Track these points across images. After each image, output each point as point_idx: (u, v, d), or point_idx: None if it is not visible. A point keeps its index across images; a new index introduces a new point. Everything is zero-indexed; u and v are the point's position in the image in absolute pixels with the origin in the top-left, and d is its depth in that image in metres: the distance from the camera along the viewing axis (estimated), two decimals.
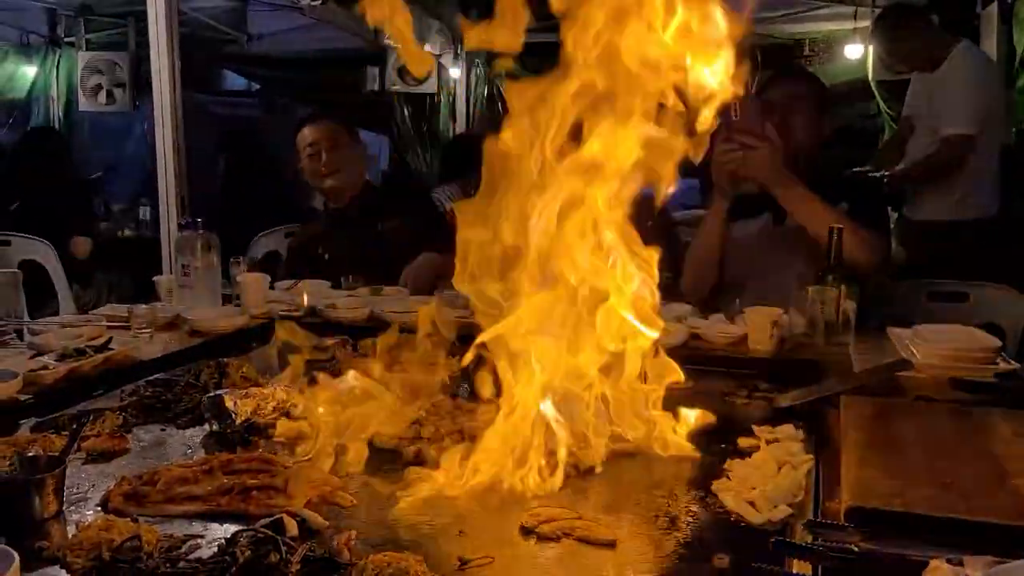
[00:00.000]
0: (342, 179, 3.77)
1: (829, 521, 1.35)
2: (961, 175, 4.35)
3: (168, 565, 1.29)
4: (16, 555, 1.17)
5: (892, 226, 4.18)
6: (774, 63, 5.67)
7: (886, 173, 4.49)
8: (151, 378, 2.27)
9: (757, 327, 2.48)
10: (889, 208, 4.36)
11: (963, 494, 1.40)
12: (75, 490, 1.61)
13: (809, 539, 1.29)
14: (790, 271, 3.01)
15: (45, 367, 2.15)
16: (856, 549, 1.23)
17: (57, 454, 1.59)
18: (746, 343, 2.52)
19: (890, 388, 2.02)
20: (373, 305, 2.94)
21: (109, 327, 2.65)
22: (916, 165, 4.44)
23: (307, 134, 3.78)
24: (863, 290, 2.82)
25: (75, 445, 1.64)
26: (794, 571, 1.24)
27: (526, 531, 1.46)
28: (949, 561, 0.96)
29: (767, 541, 1.39)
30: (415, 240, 3.49)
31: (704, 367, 2.43)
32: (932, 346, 2.24)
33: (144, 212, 5.70)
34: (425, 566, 1.28)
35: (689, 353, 2.49)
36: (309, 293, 3.12)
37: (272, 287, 3.20)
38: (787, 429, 1.89)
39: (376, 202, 3.79)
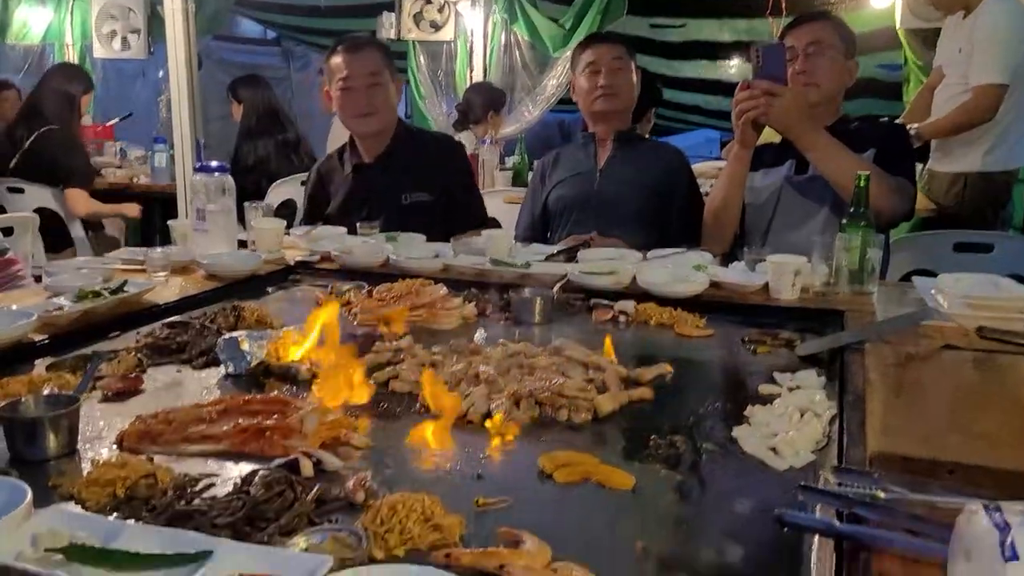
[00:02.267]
0: (381, 122, 3.43)
1: (854, 467, 1.32)
2: (990, 126, 4.25)
3: (183, 503, 1.28)
4: (29, 490, 1.16)
5: (918, 177, 4.09)
6: (798, 9, 5.54)
7: (915, 125, 4.38)
8: (166, 320, 2.25)
9: (779, 276, 2.44)
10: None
11: (992, 442, 1.37)
12: (90, 429, 1.60)
13: (834, 484, 1.25)
14: (812, 222, 2.96)
15: (60, 308, 2.14)
16: (883, 495, 1.20)
17: (71, 392, 1.58)
18: (768, 292, 2.48)
19: (916, 337, 1.98)
20: (389, 251, 2.91)
21: (124, 270, 2.64)
22: (947, 116, 4.33)
23: (342, 64, 3.32)
24: (887, 239, 2.77)
25: (89, 383, 1.63)
26: (819, 516, 1.21)
27: (544, 475, 1.44)
28: (986, 507, 0.92)
29: (790, 487, 1.37)
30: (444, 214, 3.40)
31: (725, 316, 2.40)
32: (959, 295, 2.19)
33: (159, 159, 5.66)
34: (441, 507, 1.26)
35: (709, 302, 2.46)
36: (325, 239, 3.10)
37: (287, 233, 3.17)
38: (809, 377, 1.86)
39: (404, 161, 3.49)
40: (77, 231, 5.22)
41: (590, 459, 1.48)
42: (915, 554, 1.10)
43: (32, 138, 5.14)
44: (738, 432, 1.59)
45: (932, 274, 2.55)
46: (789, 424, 1.59)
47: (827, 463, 1.45)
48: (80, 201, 5.15)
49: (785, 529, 1.18)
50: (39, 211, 4.73)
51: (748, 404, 1.72)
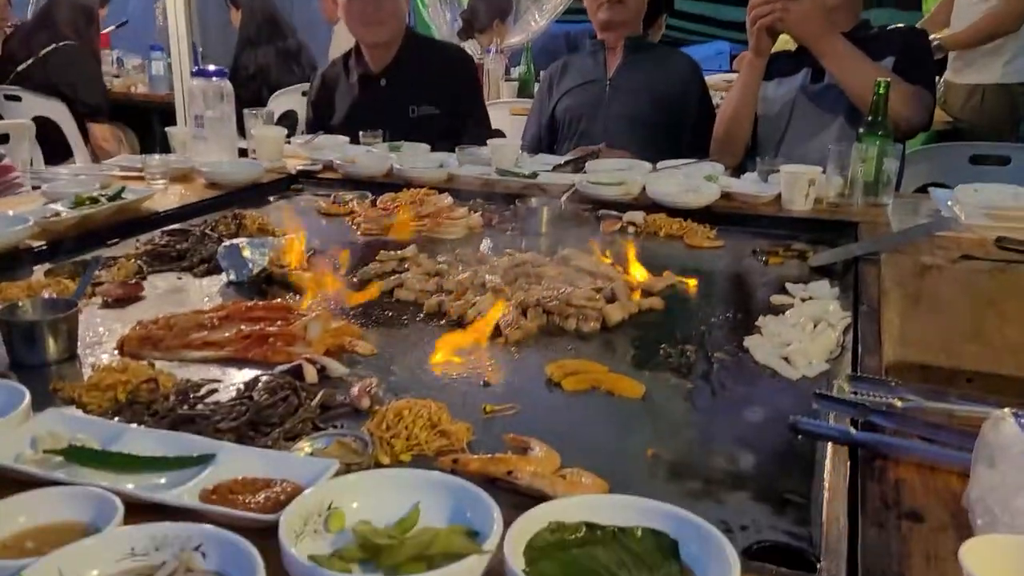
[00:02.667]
0: (390, 31, 3.31)
1: (870, 376, 1.29)
2: (1012, 38, 4.11)
3: (185, 408, 1.26)
4: (27, 392, 1.14)
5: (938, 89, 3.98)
6: None
7: (937, 36, 4.24)
8: (167, 228, 2.21)
9: (792, 186, 2.37)
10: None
11: (1012, 350, 1.34)
12: (90, 334, 1.57)
13: (849, 393, 1.23)
14: (827, 132, 2.88)
15: (57, 215, 2.09)
16: (899, 403, 1.17)
17: (70, 297, 1.55)
18: (780, 203, 2.42)
19: (933, 248, 1.93)
20: (393, 161, 2.84)
21: (122, 178, 2.58)
22: (972, 25, 4.19)
23: None
24: (903, 151, 2.69)
25: (87, 287, 1.60)
26: (833, 424, 1.19)
27: (552, 384, 1.41)
28: (1015, 414, 0.89)
29: (803, 396, 1.35)
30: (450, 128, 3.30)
31: (736, 228, 2.35)
32: (977, 205, 2.13)
33: (157, 67, 5.53)
34: (448, 414, 1.24)
35: (720, 213, 2.41)
36: (327, 148, 3.03)
37: (288, 142, 3.10)
38: (822, 287, 1.83)
39: (412, 72, 3.38)
40: (76, 141, 5.13)
41: (599, 367, 1.46)
42: (932, 461, 1.08)
43: (51, 49, 5.01)
44: (750, 342, 1.56)
45: (947, 188, 2.49)
46: (802, 334, 1.56)
47: (841, 372, 1.42)
48: (100, 134, 5.09)
49: (799, 437, 1.16)
50: (38, 121, 4.63)
51: (760, 314, 1.69)
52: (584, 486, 1.07)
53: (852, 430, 1.13)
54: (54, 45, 5.02)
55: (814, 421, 1.16)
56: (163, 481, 1.00)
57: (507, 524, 0.85)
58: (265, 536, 0.85)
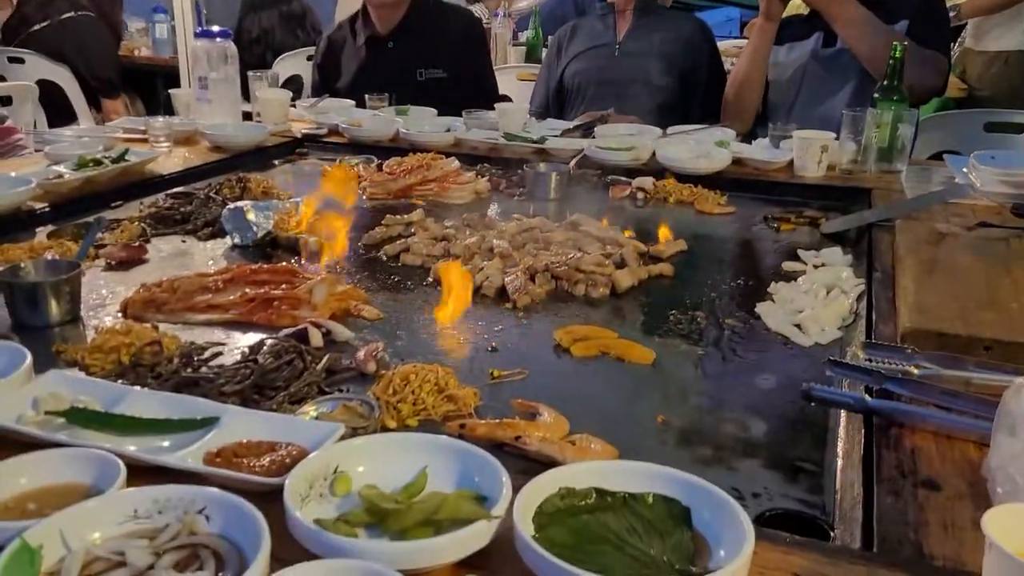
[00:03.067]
0: None
1: (886, 343, 1.26)
2: None
3: (189, 371, 1.24)
4: (28, 353, 1.12)
5: (953, 56, 3.90)
6: None
7: (955, 2, 4.15)
8: (170, 191, 2.18)
9: (805, 152, 2.34)
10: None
11: None
12: (93, 297, 1.56)
13: (863, 360, 1.20)
14: (839, 98, 2.83)
15: (60, 176, 2.07)
16: (915, 371, 1.15)
17: (72, 259, 1.53)
18: (792, 169, 2.39)
19: (948, 215, 1.90)
20: (399, 125, 2.80)
21: (126, 140, 2.55)
22: None
23: None
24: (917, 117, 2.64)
25: (89, 248, 1.58)
26: (847, 391, 1.16)
27: (560, 349, 1.39)
28: None
29: (815, 363, 1.33)
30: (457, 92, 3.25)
31: (747, 194, 2.32)
32: (992, 172, 2.09)
33: (160, 30, 5.46)
34: (455, 378, 1.22)
35: (731, 180, 2.37)
36: (332, 111, 2.99)
37: (293, 105, 3.06)
38: (835, 254, 1.80)
39: (420, 35, 3.32)
40: (81, 105, 5.09)
41: (608, 333, 1.44)
42: (949, 430, 1.06)
43: (68, 16, 4.94)
44: (761, 308, 1.53)
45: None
46: (815, 300, 1.54)
47: (854, 340, 1.40)
48: (115, 110, 5.04)
49: (812, 404, 1.14)
50: (45, 84, 4.59)
51: (771, 281, 1.66)
52: (594, 452, 1.05)
53: (867, 397, 1.11)
54: (73, 13, 4.96)
55: (828, 388, 1.14)
56: (166, 444, 0.99)
57: (515, 490, 0.84)
58: (270, 500, 0.83)
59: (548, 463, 1.04)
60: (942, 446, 1.04)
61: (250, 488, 0.88)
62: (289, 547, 0.80)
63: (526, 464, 1.05)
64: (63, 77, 4.94)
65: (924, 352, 1.20)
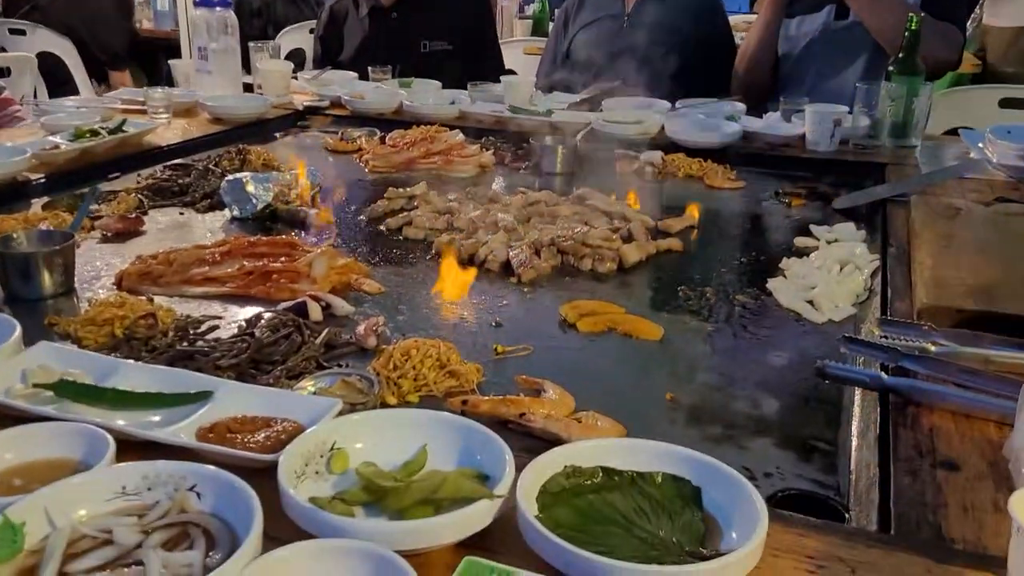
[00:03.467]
0: None
1: (902, 319, 1.22)
2: None
3: (184, 344, 1.21)
4: (17, 324, 1.09)
5: (969, 32, 3.82)
6: None
7: None
8: (169, 163, 2.14)
9: (817, 126, 2.28)
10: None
11: None
12: (88, 269, 1.52)
13: (879, 337, 1.17)
14: (851, 73, 2.77)
15: (57, 147, 2.03)
16: (934, 348, 1.11)
17: (66, 229, 1.49)
18: (803, 144, 2.33)
19: (964, 190, 1.85)
20: (403, 97, 2.75)
21: (124, 111, 2.51)
22: None
23: None
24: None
25: (84, 219, 1.54)
26: (862, 369, 1.13)
27: (566, 325, 1.35)
28: None
29: (829, 340, 1.29)
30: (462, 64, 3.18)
31: (757, 168, 2.27)
32: (1010, 146, 2.04)
33: (161, 2, 5.40)
34: (458, 354, 1.19)
35: (741, 154, 2.33)
36: (335, 83, 2.94)
37: (295, 77, 3.01)
38: (848, 229, 1.75)
39: (424, 5, 3.28)
40: (82, 77, 5.04)
41: (616, 309, 1.40)
42: (967, 409, 1.02)
43: None
44: (773, 284, 1.49)
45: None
46: (828, 276, 1.49)
47: (869, 316, 1.36)
48: (121, 82, 4.99)
49: (826, 382, 1.10)
50: (49, 57, 4.56)
51: (783, 257, 1.62)
52: (600, 430, 1.02)
53: (883, 375, 1.07)
54: None
55: (843, 365, 1.10)
56: (158, 419, 0.95)
57: (519, 469, 0.80)
58: (264, 477, 0.80)
59: (553, 441, 1.01)
60: (961, 425, 1.00)
61: (244, 465, 0.85)
62: (284, 526, 0.76)
63: (530, 442, 1.01)
64: (64, 49, 4.89)
65: (942, 329, 1.16)
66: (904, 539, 0.81)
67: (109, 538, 0.74)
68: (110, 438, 0.85)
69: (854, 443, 1.03)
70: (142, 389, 0.99)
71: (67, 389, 0.95)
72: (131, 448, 0.87)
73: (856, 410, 1.09)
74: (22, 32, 4.94)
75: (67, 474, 0.81)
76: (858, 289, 1.45)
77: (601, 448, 0.87)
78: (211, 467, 0.80)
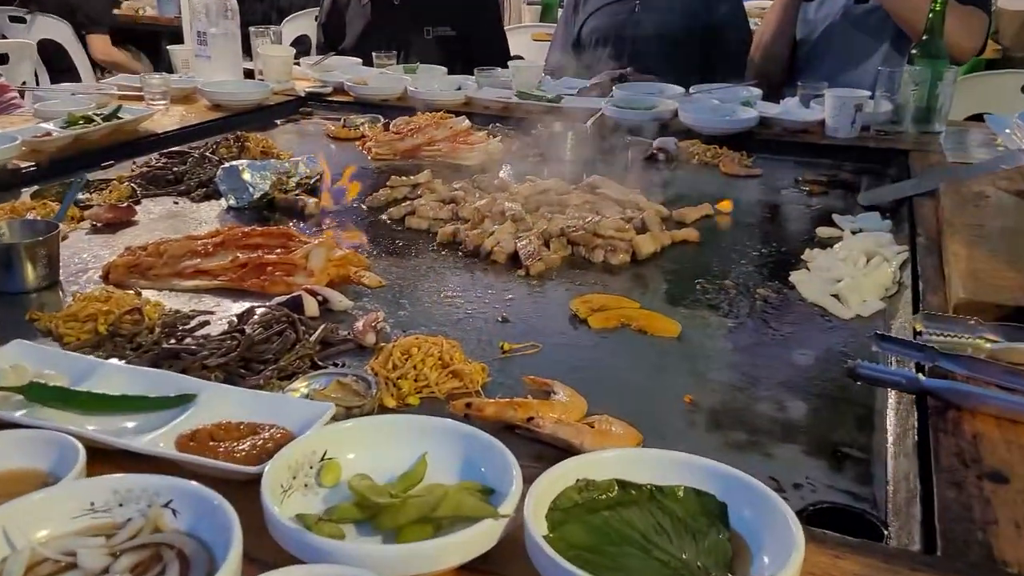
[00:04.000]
0: None
1: (939, 314, 1.14)
2: None
3: (172, 341, 1.13)
4: None
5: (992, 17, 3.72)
6: None
7: None
8: (164, 151, 2.07)
9: (838, 111, 2.20)
10: None
11: None
12: (75, 261, 1.45)
13: (917, 332, 1.09)
14: (871, 59, 2.68)
15: (48, 134, 1.96)
16: (987, 344, 1.03)
17: (51, 219, 1.42)
18: (823, 129, 2.25)
19: (994, 178, 1.76)
20: (407, 83, 2.67)
21: (120, 97, 2.44)
22: None
23: None
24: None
25: (70, 207, 1.47)
26: (898, 369, 1.05)
27: (577, 320, 1.28)
28: None
29: (857, 337, 1.21)
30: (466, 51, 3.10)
31: (774, 155, 2.19)
32: None
33: None
34: (462, 352, 1.11)
35: (758, 140, 2.24)
36: (337, 69, 2.86)
37: (297, 63, 2.94)
38: (873, 219, 1.67)
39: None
40: (83, 62, 4.97)
41: (630, 303, 1.32)
42: (1014, 413, 0.94)
43: None
44: (796, 277, 1.41)
45: None
46: (854, 269, 1.41)
47: (899, 311, 1.28)
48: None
49: (858, 383, 1.02)
50: (50, 45, 4.49)
51: (805, 248, 1.54)
52: (615, 436, 0.94)
53: (921, 376, 0.99)
54: None
55: (877, 366, 1.02)
56: (135, 424, 0.88)
57: (527, 480, 0.73)
58: (250, 491, 0.73)
59: (564, 448, 0.93)
60: (1007, 432, 0.92)
61: (227, 477, 0.78)
62: (269, 546, 0.69)
63: (539, 448, 0.94)
64: (64, 36, 4.83)
65: (988, 323, 1.08)
66: (953, 562, 0.73)
67: (73, 561, 0.67)
68: (80, 447, 0.78)
69: (890, 450, 0.95)
70: (121, 392, 0.91)
71: (37, 392, 0.88)
72: (104, 457, 0.81)
73: (890, 414, 1.01)
74: (22, 20, 4.88)
75: (33, 487, 0.74)
76: (887, 282, 1.37)
77: (616, 458, 0.79)
78: (189, 482, 0.72)
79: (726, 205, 1.78)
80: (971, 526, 0.78)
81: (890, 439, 0.97)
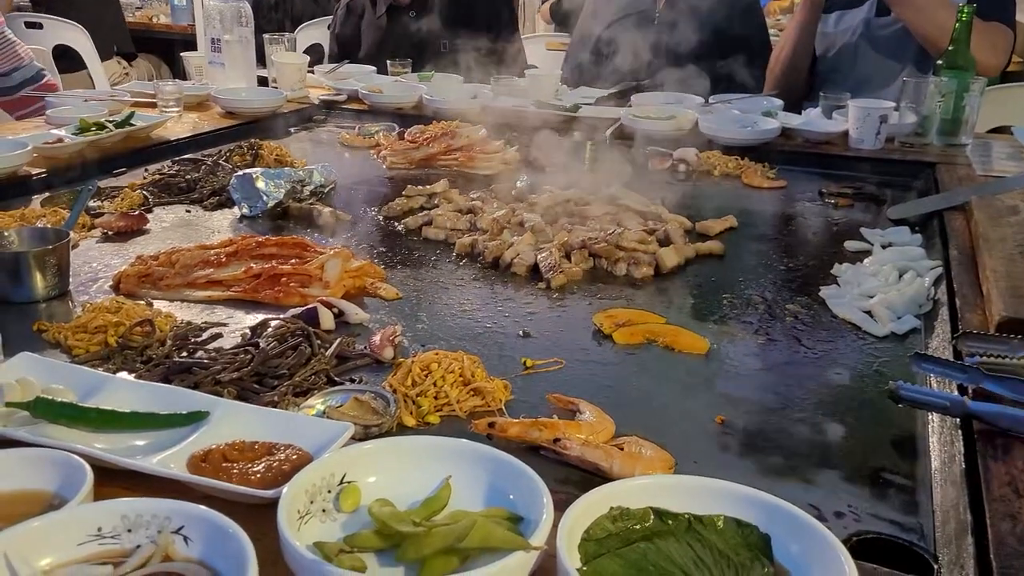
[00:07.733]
0: None
1: (982, 333, 1.09)
2: None
3: (183, 354, 1.10)
4: None
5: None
6: None
7: None
8: (177, 158, 2.04)
9: (862, 122, 2.15)
10: None
11: None
12: (86, 270, 1.42)
13: (957, 352, 1.04)
14: (892, 72, 2.62)
15: (60, 141, 1.93)
16: (1019, 364, 0.98)
17: (61, 227, 1.39)
18: (846, 141, 2.20)
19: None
20: (422, 91, 2.64)
21: (133, 104, 2.41)
22: None
23: None
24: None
25: (80, 215, 1.44)
26: (941, 392, 1.00)
27: (601, 336, 1.24)
28: None
29: (892, 355, 1.17)
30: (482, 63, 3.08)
31: (797, 167, 2.14)
32: None
33: None
34: (483, 367, 1.07)
35: (780, 152, 2.20)
36: (352, 77, 2.83)
37: (311, 71, 2.91)
38: (903, 233, 1.63)
39: (442, 5, 3.18)
40: (97, 69, 4.97)
41: (655, 318, 1.28)
42: None
43: None
44: (826, 292, 1.37)
45: None
46: (886, 285, 1.37)
47: (935, 330, 1.24)
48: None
49: (899, 405, 0.98)
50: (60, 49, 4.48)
51: (834, 262, 1.50)
52: (646, 460, 0.90)
53: (966, 399, 0.94)
54: None
55: (918, 388, 0.97)
56: (145, 443, 0.84)
57: (557, 507, 0.69)
58: (265, 515, 0.69)
59: (592, 471, 0.89)
60: None
61: (242, 500, 0.74)
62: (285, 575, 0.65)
63: (565, 471, 0.90)
64: (79, 42, 4.83)
65: None
66: None
67: None
68: (88, 468, 0.74)
69: (935, 477, 0.91)
70: (130, 408, 0.87)
71: (44, 409, 0.84)
72: (113, 479, 0.77)
73: (934, 439, 0.97)
74: (39, 26, 4.88)
75: (39, 510, 0.70)
76: (921, 299, 1.32)
77: (651, 486, 0.75)
78: (201, 507, 0.68)
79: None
80: None
81: (934, 465, 0.93)
